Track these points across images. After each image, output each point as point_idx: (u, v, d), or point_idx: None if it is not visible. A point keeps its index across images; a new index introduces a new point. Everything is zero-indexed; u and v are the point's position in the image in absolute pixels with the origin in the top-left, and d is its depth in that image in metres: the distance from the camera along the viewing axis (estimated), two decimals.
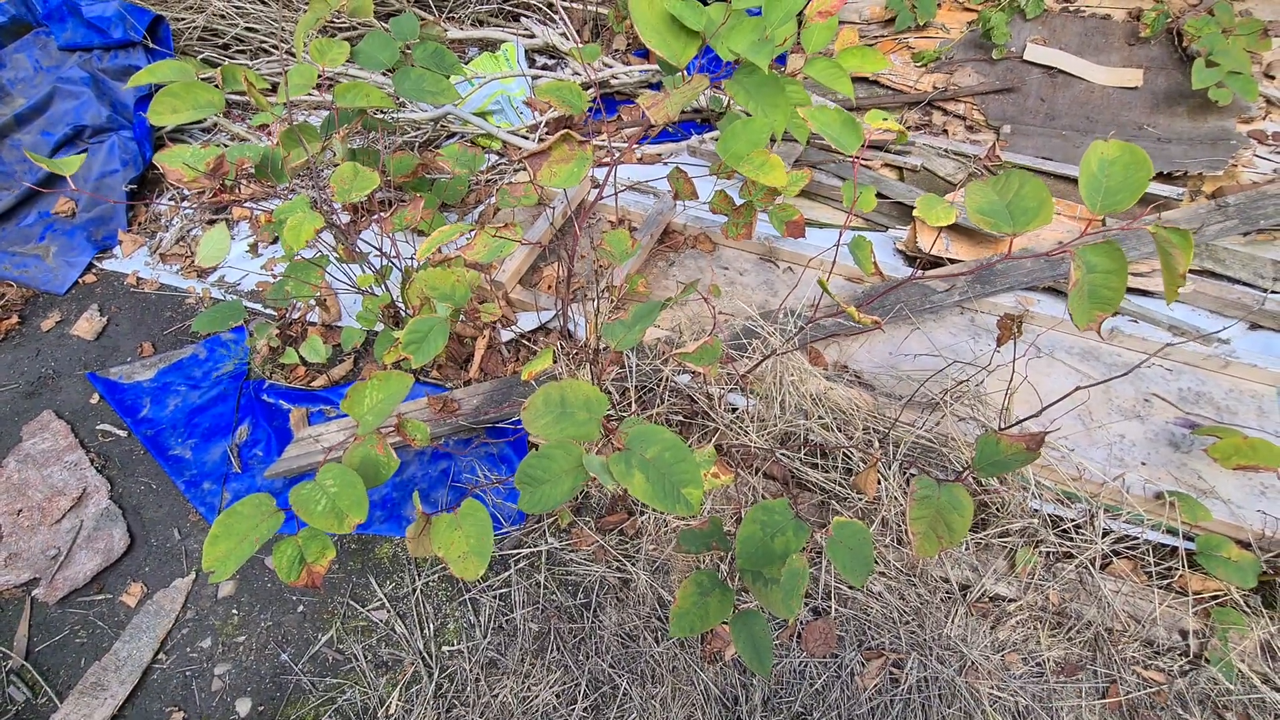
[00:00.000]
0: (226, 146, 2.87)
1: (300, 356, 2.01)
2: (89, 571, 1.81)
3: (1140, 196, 1.10)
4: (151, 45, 2.73)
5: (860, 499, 1.63)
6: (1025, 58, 2.81)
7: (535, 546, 1.73)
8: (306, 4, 3.09)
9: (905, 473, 1.63)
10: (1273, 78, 2.70)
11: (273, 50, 3.04)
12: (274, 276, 2.45)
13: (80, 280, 2.56)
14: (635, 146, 2.83)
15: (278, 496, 1.91)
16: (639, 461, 1.06)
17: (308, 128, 1.86)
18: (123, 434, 2.10)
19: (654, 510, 1.74)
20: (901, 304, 1.98)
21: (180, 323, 2.39)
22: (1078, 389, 1.31)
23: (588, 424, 1.13)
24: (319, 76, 1.83)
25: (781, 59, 2.95)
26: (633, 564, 1.67)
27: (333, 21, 3.09)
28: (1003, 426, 1.52)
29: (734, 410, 1.75)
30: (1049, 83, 2.76)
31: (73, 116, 2.68)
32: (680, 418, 1.82)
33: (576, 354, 1.84)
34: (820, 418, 1.63)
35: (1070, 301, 1.15)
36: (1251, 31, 2.60)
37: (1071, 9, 2.94)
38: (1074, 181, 2.45)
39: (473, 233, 1.37)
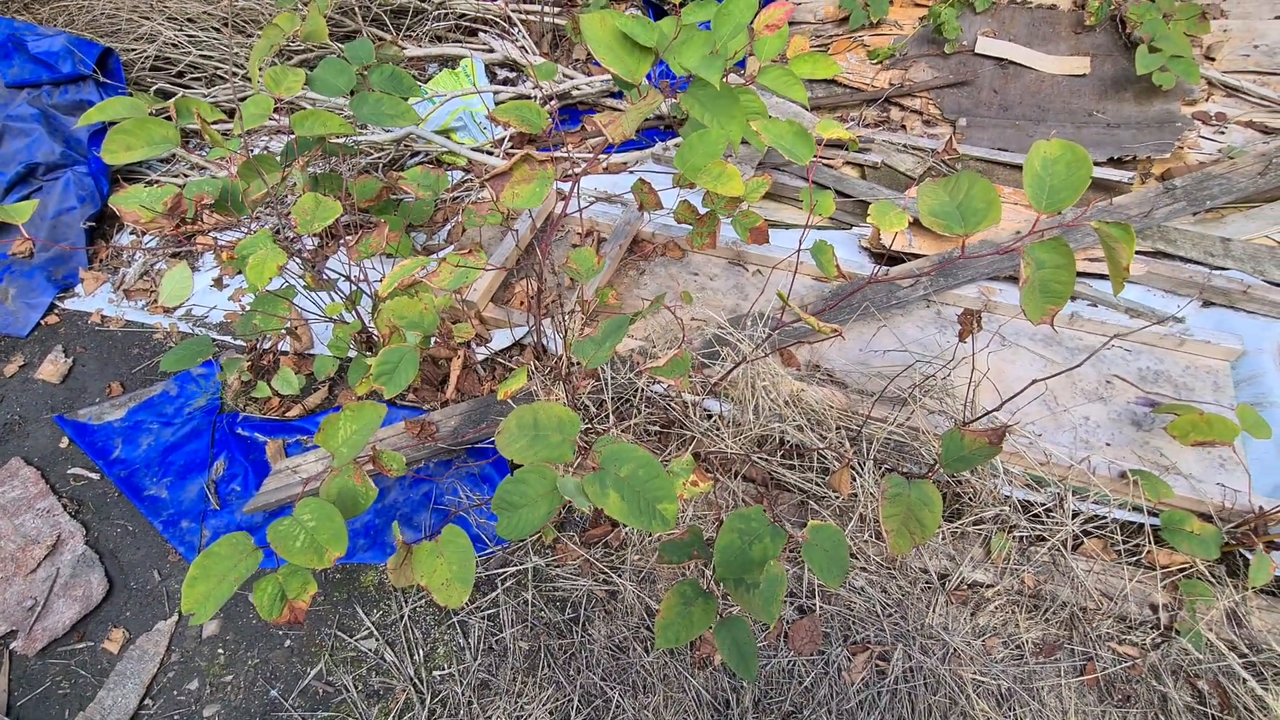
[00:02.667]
0: (186, 177, 2.84)
1: (272, 389, 2.00)
2: (68, 620, 1.78)
3: (1082, 195, 1.14)
4: (102, 79, 2.68)
5: (838, 497, 1.66)
6: (977, 50, 2.87)
7: (521, 564, 1.74)
8: (260, 30, 3.06)
9: (880, 469, 1.66)
10: (1213, 59, 2.79)
11: (228, 77, 3.01)
12: (242, 308, 2.43)
13: (43, 322, 2.51)
14: (601, 156, 2.85)
15: (258, 531, 1.91)
16: (613, 481, 1.08)
17: (266, 159, 1.85)
18: (95, 477, 2.07)
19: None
20: (869, 301, 2.02)
21: (148, 359, 2.35)
22: (1034, 382, 1.35)
23: (561, 446, 1.14)
24: (276, 103, 1.81)
25: (742, 63, 2.98)
26: (619, 575, 1.68)
27: (289, 45, 3.06)
28: (968, 420, 1.56)
29: (710, 417, 1.77)
30: (1001, 74, 2.83)
31: (25, 155, 2.63)
32: (657, 427, 1.84)
33: (551, 370, 1.85)
34: (794, 420, 1.66)
35: (1023, 297, 1.18)
36: (1190, 15, 2.69)
37: (1018, 1, 3.01)
38: None
39: (437, 260, 1.37)
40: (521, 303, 2.26)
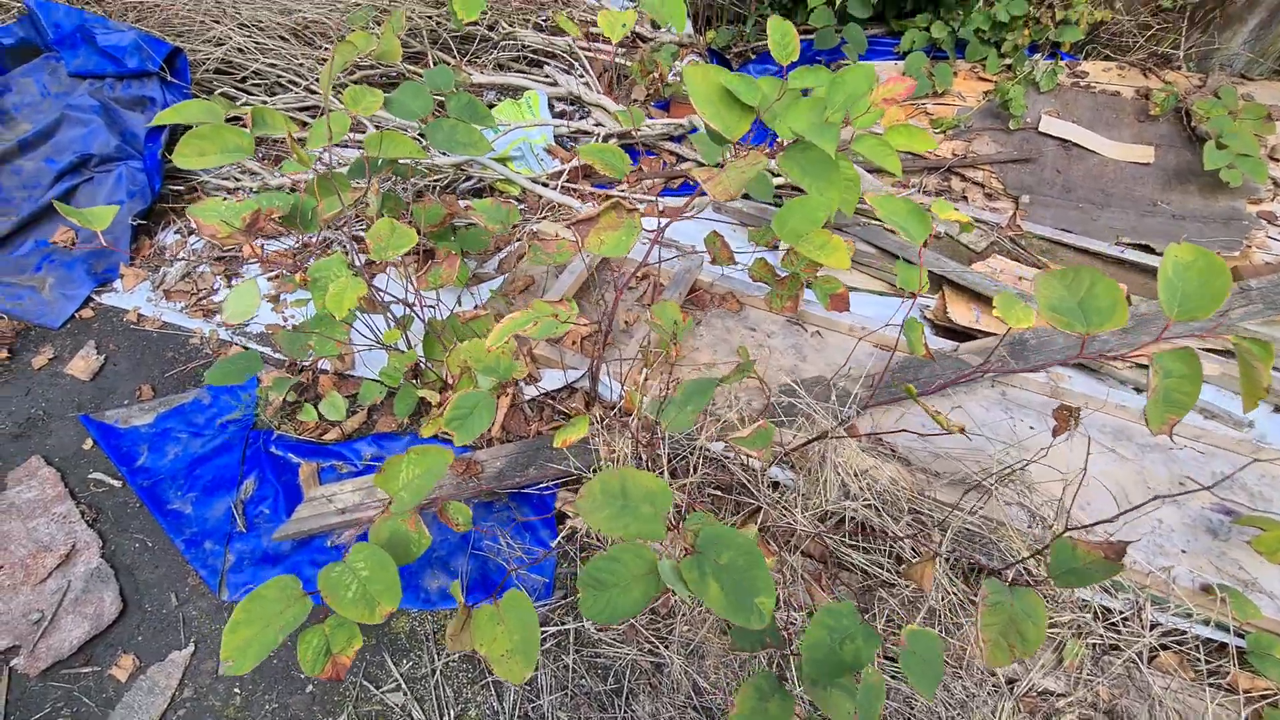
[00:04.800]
0: (238, 182, 2.81)
1: (318, 412, 1.92)
2: (76, 640, 1.67)
3: (1220, 307, 1.09)
4: (168, 77, 2.67)
5: (907, 585, 1.57)
6: (1040, 129, 2.87)
7: (563, 624, 1.64)
8: (328, 42, 3.06)
9: (950, 558, 1.58)
10: (1277, 160, 2.79)
11: (290, 86, 3.00)
12: (284, 320, 2.37)
13: (77, 314, 2.44)
14: (662, 201, 2.81)
15: (285, 559, 1.82)
16: (713, 568, 1.00)
17: (338, 177, 1.81)
18: (117, 484, 1.98)
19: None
20: (937, 377, 1.96)
21: (183, 364, 2.28)
22: (1155, 498, 1.28)
23: (653, 520, 1.06)
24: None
25: None
26: (666, 647, 1.59)
27: (355, 61, 3.06)
28: (1066, 527, 1.49)
29: (775, 486, 1.70)
30: (1064, 155, 2.82)
31: (80, 145, 2.60)
32: (714, 489, 1.76)
33: (608, 422, 1.78)
34: (865, 498, 1.59)
35: (1147, 406, 1.13)
36: (1257, 116, 2.69)
37: (1082, 84, 3.03)
38: (1094, 255, 2.48)
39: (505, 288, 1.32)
40: (574, 343, 2.20)
